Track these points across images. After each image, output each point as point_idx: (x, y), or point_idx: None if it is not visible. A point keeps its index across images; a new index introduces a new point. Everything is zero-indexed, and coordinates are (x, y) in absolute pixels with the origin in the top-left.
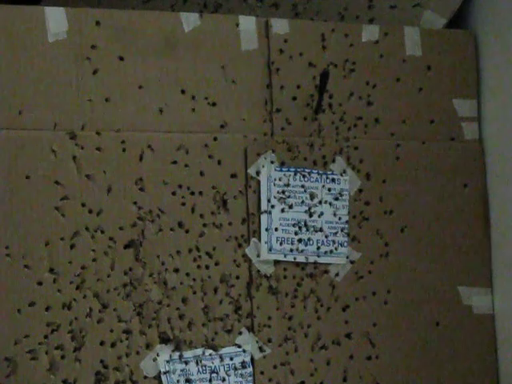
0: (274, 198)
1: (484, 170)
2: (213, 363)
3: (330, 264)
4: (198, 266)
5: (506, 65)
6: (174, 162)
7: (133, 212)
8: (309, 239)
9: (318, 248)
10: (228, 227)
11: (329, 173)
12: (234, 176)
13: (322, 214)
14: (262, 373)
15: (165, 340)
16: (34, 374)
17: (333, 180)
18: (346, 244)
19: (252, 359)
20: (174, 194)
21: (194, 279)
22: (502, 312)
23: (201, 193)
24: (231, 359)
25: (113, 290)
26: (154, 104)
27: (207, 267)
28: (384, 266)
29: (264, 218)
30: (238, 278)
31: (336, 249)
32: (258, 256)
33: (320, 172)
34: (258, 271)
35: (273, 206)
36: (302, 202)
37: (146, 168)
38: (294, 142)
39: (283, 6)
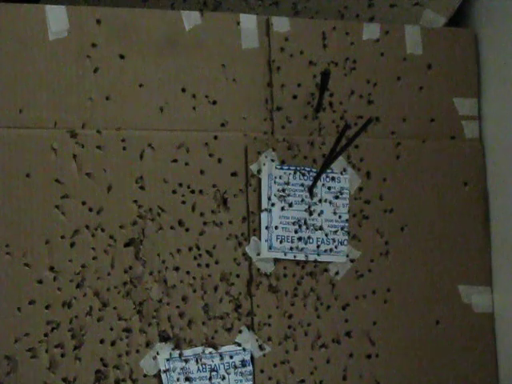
0: (275, 196)
1: (484, 168)
2: (213, 361)
3: (329, 262)
4: (198, 265)
5: (506, 63)
6: (175, 161)
7: (133, 210)
8: (309, 237)
9: (318, 246)
10: (228, 225)
11: (329, 171)
12: (234, 174)
13: (321, 212)
14: (261, 371)
15: (165, 338)
16: (34, 372)
17: (333, 178)
18: (345, 242)
19: (252, 357)
20: (174, 192)
21: (194, 277)
22: (501, 310)
23: (201, 191)
24: (231, 357)
25: (113, 288)
26: (155, 102)
27: (207, 265)
28: (384, 264)
29: (264, 216)
30: (238, 276)
31: (336, 247)
32: (258, 254)
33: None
34: (258, 269)
35: (273, 204)
36: (302, 200)
37: (147, 166)
38: (295, 140)
39: (283, 4)
